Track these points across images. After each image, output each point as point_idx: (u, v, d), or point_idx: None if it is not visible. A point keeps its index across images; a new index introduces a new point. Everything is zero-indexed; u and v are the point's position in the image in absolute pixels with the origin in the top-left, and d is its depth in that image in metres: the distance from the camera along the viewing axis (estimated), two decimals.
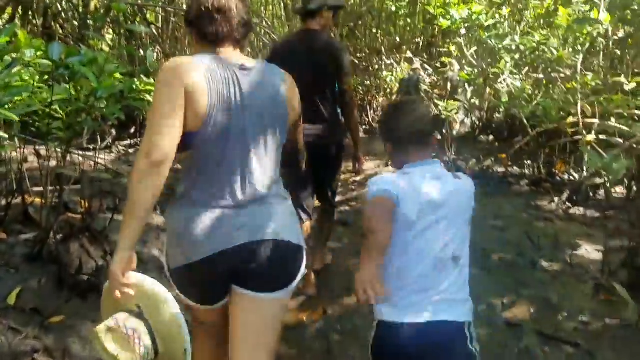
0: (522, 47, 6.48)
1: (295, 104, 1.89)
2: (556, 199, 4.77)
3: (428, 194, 1.79)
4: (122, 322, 1.62)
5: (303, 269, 1.85)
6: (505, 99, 5.30)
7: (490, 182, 5.51)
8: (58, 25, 8.70)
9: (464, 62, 7.27)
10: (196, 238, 1.68)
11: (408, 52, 15.68)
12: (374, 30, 14.64)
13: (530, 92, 6.08)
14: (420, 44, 17.26)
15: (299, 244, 1.82)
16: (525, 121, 5.71)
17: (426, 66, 16.63)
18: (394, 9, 8.53)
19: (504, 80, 6.36)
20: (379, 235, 1.65)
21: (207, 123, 1.66)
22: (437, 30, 17.00)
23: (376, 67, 14.43)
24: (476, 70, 7.01)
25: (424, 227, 1.77)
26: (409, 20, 16.92)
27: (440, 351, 1.68)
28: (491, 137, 6.02)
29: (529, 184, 5.25)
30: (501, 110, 7.07)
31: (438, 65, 17.11)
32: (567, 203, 4.69)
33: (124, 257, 1.61)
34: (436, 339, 1.68)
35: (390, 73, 13.88)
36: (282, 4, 14.81)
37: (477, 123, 7.44)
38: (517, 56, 6.47)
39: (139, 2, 9.46)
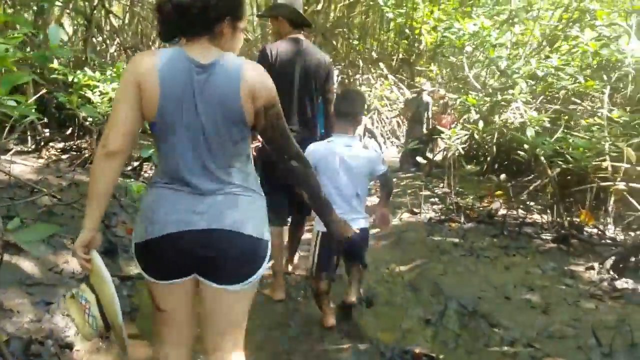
0: (538, 72, 5.50)
1: (259, 101, 1.76)
2: (596, 266, 3.77)
3: (339, 155, 2.87)
4: (81, 293, 1.82)
5: (265, 263, 1.82)
6: (530, 133, 4.26)
7: (505, 232, 4.47)
8: None
9: (462, 82, 6.24)
10: (157, 216, 1.73)
11: (384, 68, 14.94)
12: (355, 42, 13.61)
13: (546, 123, 5.08)
14: (394, 61, 16.66)
15: (259, 237, 1.79)
16: (543, 159, 4.69)
17: (400, 85, 15.93)
18: (391, 15, 7.38)
19: (517, 108, 5.35)
20: None
21: (160, 114, 1.70)
22: (420, 46, 16.34)
23: (353, 80, 13.49)
24: (481, 95, 5.99)
25: (337, 176, 2.86)
26: (391, 35, 16.20)
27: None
28: (503, 176, 4.96)
29: (554, 240, 4.23)
30: (501, 140, 6.01)
31: (415, 84, 16.41)
32: (611, 272, 3.68)
33: (85, 236, 1.73)
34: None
35: (369, 89, 12.96)
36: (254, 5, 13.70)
37: (480, 154, 6.45)
38: (532, 82, 5.49)
39: None
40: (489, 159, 5.32)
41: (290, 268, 3.90)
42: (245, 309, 1.86)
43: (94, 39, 9.17)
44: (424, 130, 8.60)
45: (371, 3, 8.78)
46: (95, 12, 8.22)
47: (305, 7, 10.97)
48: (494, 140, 5.27)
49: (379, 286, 3.79)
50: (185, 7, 1.68)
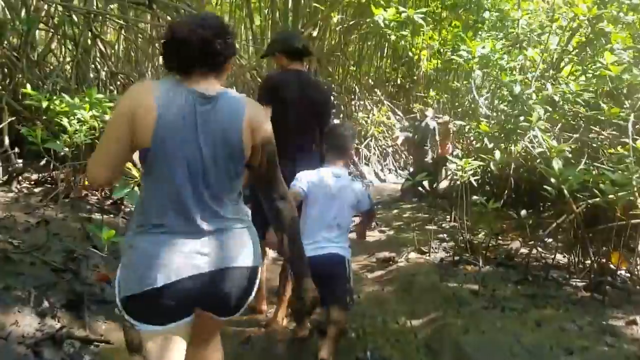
0: (556, 98, 5.02)
1: (259, 137, 1.76)
2: (638, 320, 3.22)
3: (328, 185, 2.89)
4: None
5: (257, 284, 1.85)
6: (557, 166, 3.74)
7: (529, 277, 3.91)
8: None
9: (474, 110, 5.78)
10: (157, 264, 1.63)
11: (379, 93, 14.57)
12: (351, 68, 13.22)
13: (568, 154, 4.57)
14: (390, 86, 16.33)
15: (256, 265, 1.82)
16: (567, 193, 4.16)
17: (396, 111, 15.55)
18: (393, 37, 6.97)
19: (534, 137, 4.84)
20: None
21: (155, 141, 1.63)
22: (419, 73, 16.00)
23: (350, 106, 13.08)
24: (493, 122, 5.49)
25: (322, 204, 2.87)
26: (387, 61, 15.88)
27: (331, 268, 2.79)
28: (524, 212, 4.41)
29: (586, 287, 3.68)
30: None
31: (414, 110, 16.03)
32: None
33: None
34: (326, 260, 2.76)
35: (366, 115, 12.53)
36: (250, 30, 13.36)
37: (494, 186, 5.91)
38: (549, 108, 5.00)
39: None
40: (505, 192, 4.79)
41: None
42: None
43: (82, 64, 8.73)
44: (429, 159, 8.11)
45: (371, 26, 8.38)
46: (82, 37, 7.79)
47: (302, 30, 10.59)
48: (511, 172, 4.74)
49: (388, 346, 3.21)
50: (206, 44, 1.67)
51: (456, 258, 4.45)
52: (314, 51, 4.24)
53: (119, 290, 1.71)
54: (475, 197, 4.68)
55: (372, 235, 5.84)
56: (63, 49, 9.15)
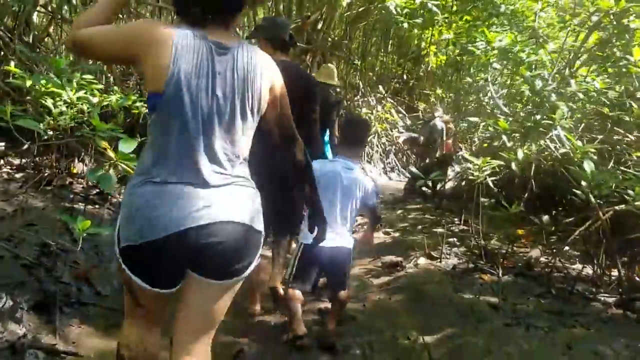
0: (580, 95, 4.63)
1: (276, 89, 1.75)
2: None
3: (340, 176, 2.94)
4: None
5: (258, 257, 1.75)
6: (590, 168, 3.34)
7: (552, 290, 3.52)
8: None
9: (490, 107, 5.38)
10: (157, 215, 1.55)
11: (383, 90, 14.18)
12: (356, 62, 12.79)
13: (592, 155, 4.18)
14: (395, 83, 15.91)
15: (259, 229, 1.72)
16: (592, 198, 3.77)
17: (399, 108, 15.14)
18: (406, 25, 6.55)
19: (557, 136, 4.45)
20: None
21: (169, 86, 1.55)
22: (425, 68, 15.57)
23: (353, 102, 12.66)
24: (510, 119, 5.10)
25: (332, 194, 2.91)
26: (393, 56, 15.46)
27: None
28: (546, 217, 4.02)
29: (617, 304, 3.30)
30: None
31: (417, 108, 15.63)
32: None
33: None
34: (334, 253, 2.87)
35: (370, 111, 12.12)
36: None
37: (512, 188, 5.50)
38: (573, 106, 4.61)
39: None
40: (524, 195, 4.39)
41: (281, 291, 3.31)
42: (227, 304, 1.75)
43: None
44: (434, 159, 7.72)
45: (381, 13, 7.97)
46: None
47: (294, 22, 10.16)
48: (531, 173, 4.34)
49: None
50: None
51: (470, 265, 4.06)
52: (298, 42, 4.26)
53: (117, 241, 1.63)
54: (491, 199, 4.30)
55: (377, 237, 5.44)
56: (60, 32, 8.76)
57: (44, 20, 9.39)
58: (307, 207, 2.07)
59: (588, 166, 3.43)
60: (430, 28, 8.82)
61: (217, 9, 1.64)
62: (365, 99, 13.19)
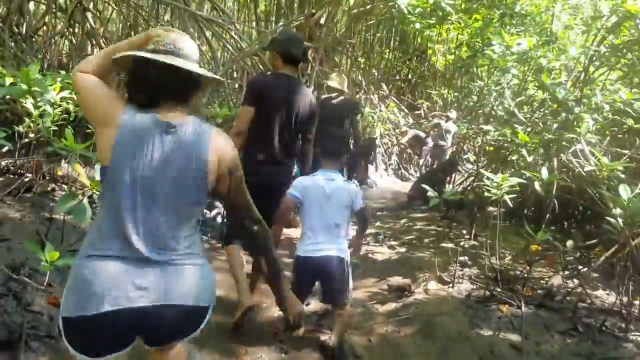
0: (606, 106, 4.25)
1: (225, 163, 1.75)
2: None
3: (322, 188, 3.01)
4: None
5: (207, 319, 1.76)
6: (626, 194, 2.96)
7: (578, 326, 3.16)
8: None
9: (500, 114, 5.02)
10: (93, 290, 1.57)
11: (386, 88, 13.78)
12: (359, 60, 12.38)
13: (620, 173, 3.81)
14: (398, 81, 15.51)
15: (205, 305, 1.73)
16: (620, 221, 3.40)
17: (402, 107, 14.73)
18: (418, 25, 6.16)
19: (580, 151, 4.08)
20: (283, 217, 3.07)
21: (113, 163, 1.63)
22: (431, 68, 15.15)
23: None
24: (528, 130, 4.72)
25: (318, 206, 2.99)
26: (397, 54, 15.03)
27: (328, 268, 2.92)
28: (570, 243, 3.64)
29: None
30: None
31: (422, 107, 15.23)
32: None
33: None
34: (325, 262, 2.91)
35: (373, 111, 11.71)
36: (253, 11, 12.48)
37: (531, 206, 5.18)
38: (599, 117, 4.24)
39: None
40: (546, 215, 4.01)
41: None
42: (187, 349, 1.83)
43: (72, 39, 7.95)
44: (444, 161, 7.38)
45: (384, 14, 7.61)
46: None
47: (297, 19, 9.76)
48: (553, 191, 3.97)
49: None
50: (174, 78, 1.69)
51: (486, 293, 3.69)
52: (309, 59, 4.26)
53: (61, 309, 1.64)
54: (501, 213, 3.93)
55: (381, 253, 5.08)
56: (55, 21, 8.38)
57: (40, 8, 9.02)
58: (268, 277, 2.04)
59: (625, 192, 3.06)
60: (438, 26, 8.40)
61: (164, 94, 1.70)
62: (368, 97, 12.79)
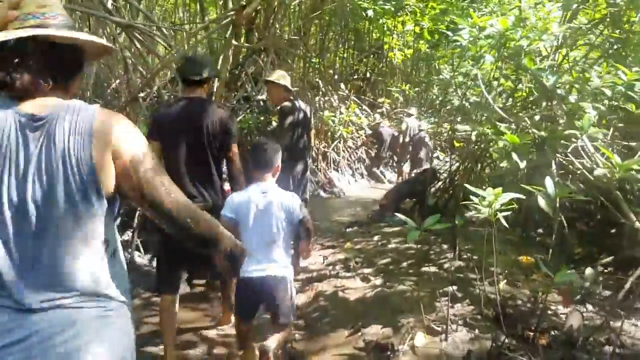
0: (607, 92, 3.47)
1: (124, 156, 1.30)
2: None
3: (255, 203, 2.81)
4: None
5: None
6: None
7: None
8: None
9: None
10: None
11: (344, 88, 12.96)
12: (313, 61, 11.50)
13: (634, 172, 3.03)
14: (357, 80, 14.75)
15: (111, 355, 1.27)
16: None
17: (364, 107, 13.93)
18: (371, 13, 5.30)
19: (584, 147, 3.28)
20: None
21: None
22: (385, 64, 14.40)
23: (314, 105, 11.37)
24: (514, 126, 3.91)
25: (254, 222, 2.79)
26: (353, 52, 14.21)
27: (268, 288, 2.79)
28: (589, 271, 2.83)
29: None
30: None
31: (383, 105, 14.47)
32: None
33: None
34: (267, 283, 2.77)
35: (333, 114, 10.85)
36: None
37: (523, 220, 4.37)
38: (601, 106, 3.44)
39: None
40: (553, 235, 3.19)
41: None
42: None
43: None
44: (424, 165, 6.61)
45: (334, 9, 6.77)
46: None
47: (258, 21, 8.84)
48: (557, 206, 3.15)
49: None
50: (44, 49, 1.30)
51: (492, 345, 2.82)
52: (215, 73, 3.67)
53: None
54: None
55: (354, 288, 4.19)
56: None
57: None
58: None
59: None
60: (394, 19, 7.59)
61: (22, 76, 1.27)
62: (327, 99, 11.93)
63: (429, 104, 13.99)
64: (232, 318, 3.66)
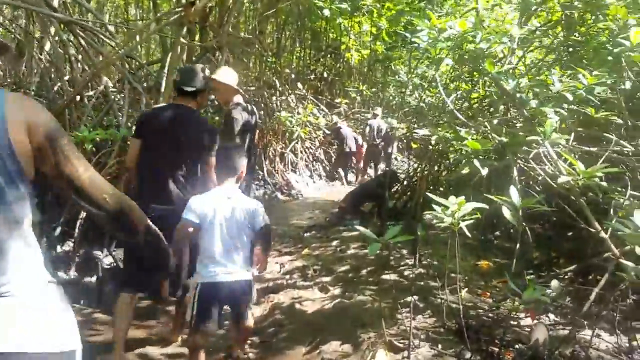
0: (569, 96, 3.40)
1: (38, 136, 1.29)
2: None
3: (218, 208, 2.76)
4: None
5: None
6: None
7: None
8: None
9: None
10: None
11: (301, 88, 12.76)
12: (269, 60, 11.23)
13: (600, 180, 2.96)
14: (314, 79, 14.58)
15: (52, 351, 1.25)
16: (613, 247, 2.54)
17: (321, 106, 13.75)
18: (327, 12, 5.11)
19: (546, 153, 3.20)
20: (179, 241, 2.83)
21: None
22: (343, 64, 14.27)
23: (270, 104, 11.09)
24: (473, 131, 3.81)
25: (217, 227, 2.74)
26: (309, 52, 13.99)
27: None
28: (554, 283, 2.73)
29: None
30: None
31: (341, 105, 14.33)
32: None
33: None
34: (232, 287, 2.74)
35: (290, 114, 10.61)
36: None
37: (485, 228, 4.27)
38: (563, 111, 3.37)
39: None
40: (516, 245, 3.08)
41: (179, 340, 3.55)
42: None
43: None
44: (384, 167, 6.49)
45: (289, 7, 6.56)
46: None
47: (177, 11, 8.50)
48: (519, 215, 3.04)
49: None
50: None
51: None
52: (206, 85, 3.44)
53: None
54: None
55: (312, 299, 4.00)
56: None
57: None
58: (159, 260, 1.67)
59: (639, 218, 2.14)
60: (351, 19, 7.43)
61: None
62: (284, 98, 11.70)
63: (385, 104, 13.98)
64: (179, 338, 3.51)
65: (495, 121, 3.68)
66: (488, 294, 3.99)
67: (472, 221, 2.84)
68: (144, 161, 3.16)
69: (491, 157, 3.33)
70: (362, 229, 2.76)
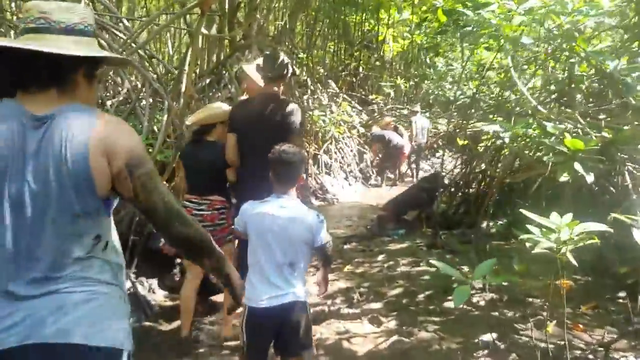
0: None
1: (119, 160, 1.32)
2: None
3: (272, 219, 2.35)
4: None
5: None
6: None
7: None
8: None
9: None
10: None
11: (334, 86, 12.08)
12: (300, 56, 10.58)
13: None
14: (348, 76, 13.89)
15: (99, 345, 1.28)
16: None
17: (356, 105, 13.01)
18: None
19: None
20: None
21: None
22: (378, 58, 13.51)
23: (302, 102, 10.43)
24: (561, 126, 3.02)
25: (268, 240, 2.34)
26: (343, 47, 13.27)
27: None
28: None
29: None
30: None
31: (376, 102, 13.60)
32: None
33: None
34: (284, 311, 2.31)
35: (323, 113, 9.92)
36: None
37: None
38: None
39: None
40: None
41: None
42: None
43: None
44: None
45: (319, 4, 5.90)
46: None
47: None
48: None
49: None
50: (28, 56, 1.28)
51: None
52: (287, 72, 3.20)
53: None
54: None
55: (362, 335, 3.28)
56: None
57: None
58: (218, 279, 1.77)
59: None
60: (389, 6, 6.68)
61: (29, 79, 1.32)
62: (316, 97, 11.03)
63: (422, 98, 13.16)
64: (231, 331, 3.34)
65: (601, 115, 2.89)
66: (581, 326, 3.21)
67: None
68: (242, 153, 3.16)
69: (597, 159, 2.56)
70: (439, 264, 2.05)
